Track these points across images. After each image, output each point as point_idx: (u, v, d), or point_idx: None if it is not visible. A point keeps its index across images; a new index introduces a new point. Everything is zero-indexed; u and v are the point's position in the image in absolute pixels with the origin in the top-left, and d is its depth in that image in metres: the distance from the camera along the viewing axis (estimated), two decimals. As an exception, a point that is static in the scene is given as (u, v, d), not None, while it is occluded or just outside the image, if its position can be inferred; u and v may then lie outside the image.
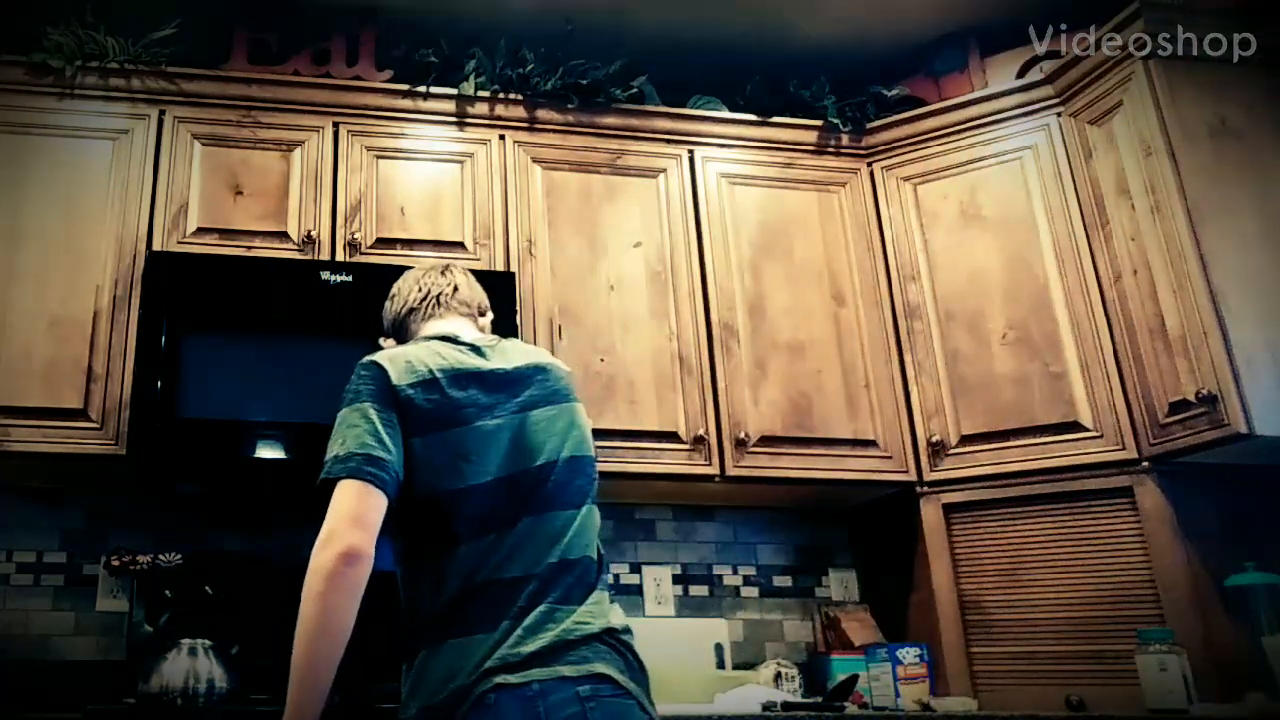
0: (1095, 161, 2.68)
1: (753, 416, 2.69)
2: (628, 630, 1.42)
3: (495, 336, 1.63)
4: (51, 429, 2.33)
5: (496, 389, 1.48)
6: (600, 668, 1.30)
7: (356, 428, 1.38)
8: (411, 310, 1.67)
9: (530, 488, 1.43)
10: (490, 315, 1.74)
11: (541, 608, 1.34)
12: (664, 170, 2.90)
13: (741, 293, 2.81)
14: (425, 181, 2.74)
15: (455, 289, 1.68)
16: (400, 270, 2.50)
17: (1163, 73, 2.55)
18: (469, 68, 2.84)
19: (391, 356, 1.48)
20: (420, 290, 1.68)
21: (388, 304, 1.72)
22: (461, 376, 1.47)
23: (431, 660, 1.34)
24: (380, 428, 1.38)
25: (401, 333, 1.67)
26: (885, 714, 2.45)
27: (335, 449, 1.38)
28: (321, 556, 1.30)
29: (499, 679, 1.27)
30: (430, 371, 1.45)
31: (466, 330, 1.63)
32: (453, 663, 1.31)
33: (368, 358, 1.48)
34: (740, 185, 2.93)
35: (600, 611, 1.39)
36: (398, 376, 1.43)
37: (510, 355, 1.55)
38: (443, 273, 1.71)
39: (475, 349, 1.54)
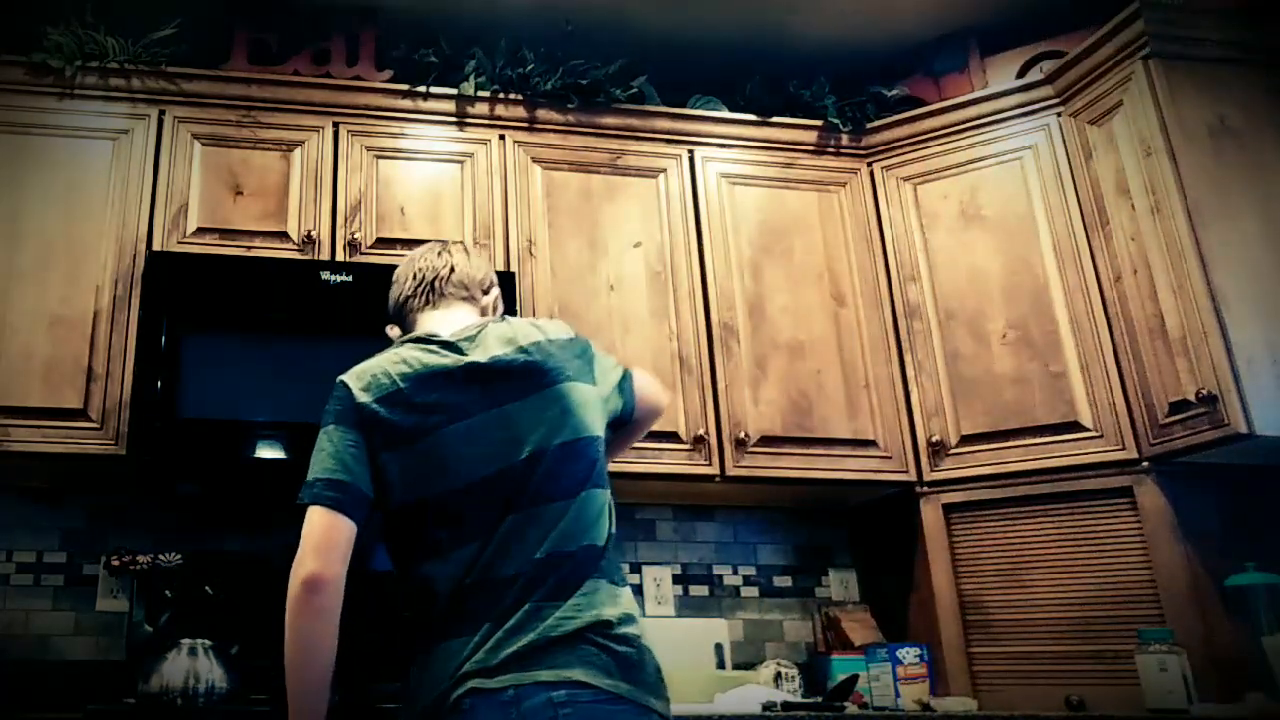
0: (1095, 161, 2.68)
1: (753, 416, 2.69)
2: (627, 620, 1.35)
3: (482, 321, 1.56)
4: (51, 429, 2.33)
5: (469, 387, 1.43)
6: (577, 674, 1.26)
7: (323, 452, 1.41)
8: (408, 299, 1.62)
9: (515, 484, 1.38)
10: (495, 292, 1.67)
11: (526, 607, 1.31)
12: (664, 170, 2.90)
13: (741, 293, 2.81)
14: (425, 181, 2.74)
15: (451, 270, 1.62)
16: (400, 270, 2.54)
17: (1163, 73, 2.55)
18: (469, 68, 2.84)
19: (359, 372, 1.47)
20: (415, 277, 1.63)
21: (390, 290, 1.68)
22: (429, 379, 1.43)
23: (423, 664, 1.35)
24: (342, 450, 1.40)
25: (402, 322, 1.64)
26: (885, 714, 2.45)
27: (309, 474, 1.41)
28: (291, 585, 1.34)
29: (474, 684, 1.26)
30: (394, 381, 1.43)
31: (459, 319, 1.57)
32: (440, 667, 1.32)
33: (341, 376, 1.48)
34: (740, 185, 2.93)
35: (590, 604, 1.33)
36: (360, 394, 1.43)
37: (489, 345, 1.48)
38: (439, 253, 1.64)
39: (450, 345, 1.48)
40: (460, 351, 1.47)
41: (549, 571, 1.34)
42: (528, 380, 1.45)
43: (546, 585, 1.33)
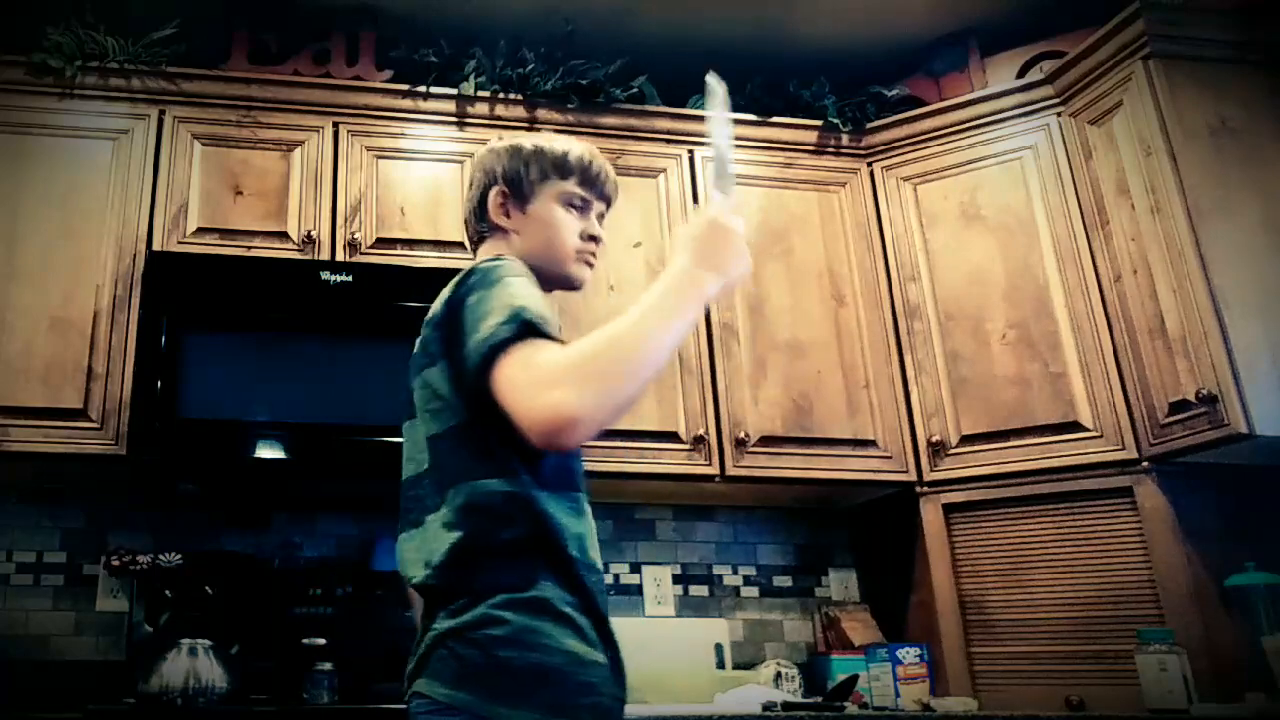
0: (1095, 161, 2.68)
1: (753, 416, 2.69)
2: (488, 621, 1.17)
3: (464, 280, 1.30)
4: (51, 429, 2.33)
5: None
6: (421, 684, 1.20)
7: None
8: None
9: (407, 494, 1.33)
10: (496, 193, 1.44)
11: (427, 613, 1.27)
12: (664, 170, 2.90)
13: (741, 293, 2.80)
14: (425, 181, 2.74)
15: (468, 216, 1.49)
16: (400, 270, 2.54)
17: (1163, 73, 2.55)
18: (469, 68, 2.84)
19: None
20: None
21: None
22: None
23: None
24: None
25: None
26: (885, 714, 2.45)
27: None
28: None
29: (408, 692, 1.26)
30: None
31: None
32: None
33: None
34: (740, 185, 2.92)
35: (455, 611, 1.20)
36: None
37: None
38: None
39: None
40: None
41: (443, 576, 1.23)
42: (411, 374, 1.36)
43: (441, 590, 1.23)
